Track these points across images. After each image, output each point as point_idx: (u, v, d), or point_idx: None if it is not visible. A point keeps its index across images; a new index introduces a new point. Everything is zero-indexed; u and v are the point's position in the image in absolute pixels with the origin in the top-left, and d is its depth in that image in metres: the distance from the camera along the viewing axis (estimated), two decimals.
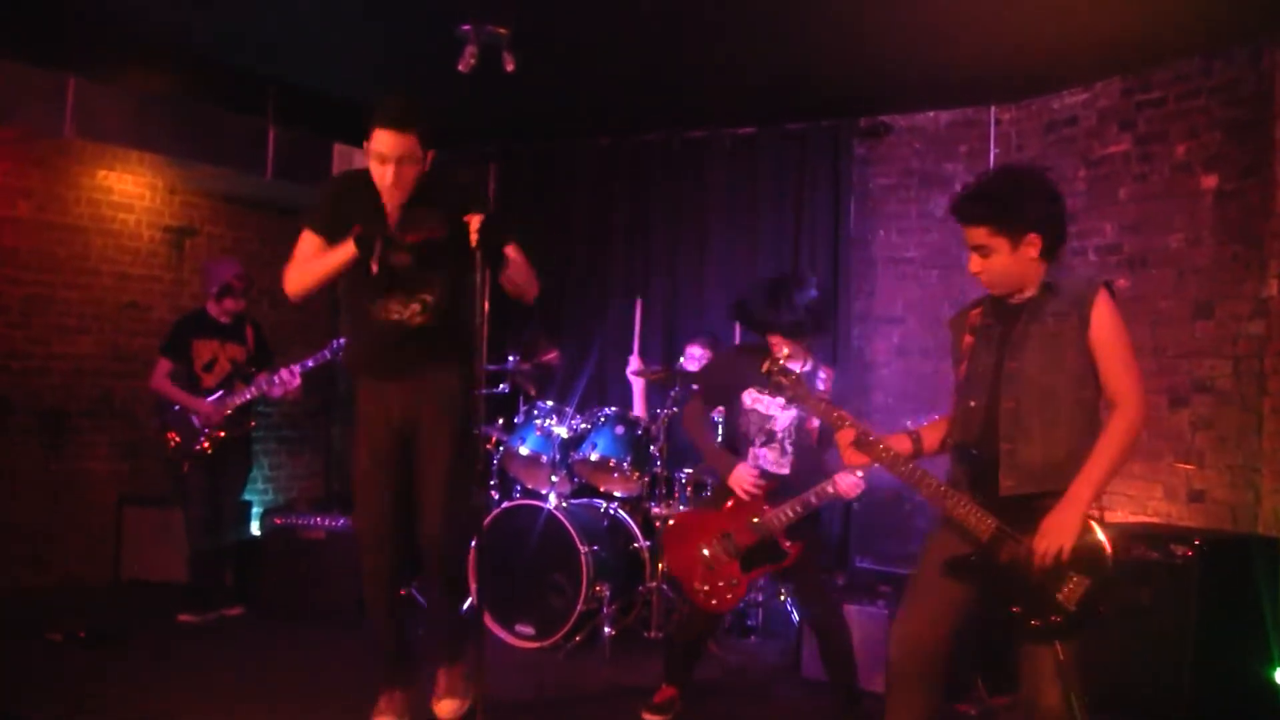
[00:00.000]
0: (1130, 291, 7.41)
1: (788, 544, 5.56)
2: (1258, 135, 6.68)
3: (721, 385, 5.95)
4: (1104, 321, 3.93)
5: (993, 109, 8.45)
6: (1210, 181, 6.99)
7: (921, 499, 5.26)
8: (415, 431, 5.08)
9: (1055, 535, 3.82)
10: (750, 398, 5.80)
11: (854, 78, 7.95)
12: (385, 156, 4.76)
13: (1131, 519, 7.19)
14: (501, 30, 6.77)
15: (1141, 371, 4.02)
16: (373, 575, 5.17)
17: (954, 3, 6.42)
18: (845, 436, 4.21)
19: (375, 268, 4.75)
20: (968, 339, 4.23)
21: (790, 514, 5.49)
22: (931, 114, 8.71)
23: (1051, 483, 3.91)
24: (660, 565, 7.30)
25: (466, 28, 6.74)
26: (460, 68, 6.79)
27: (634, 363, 8.32)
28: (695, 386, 6.27)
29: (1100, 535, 3.89)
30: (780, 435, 5.73)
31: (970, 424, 4.10)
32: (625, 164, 9.71)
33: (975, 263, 4.08)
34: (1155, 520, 7.07)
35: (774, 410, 5.73)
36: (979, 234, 4.01)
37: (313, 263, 4.94)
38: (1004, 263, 4.01)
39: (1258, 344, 6.62)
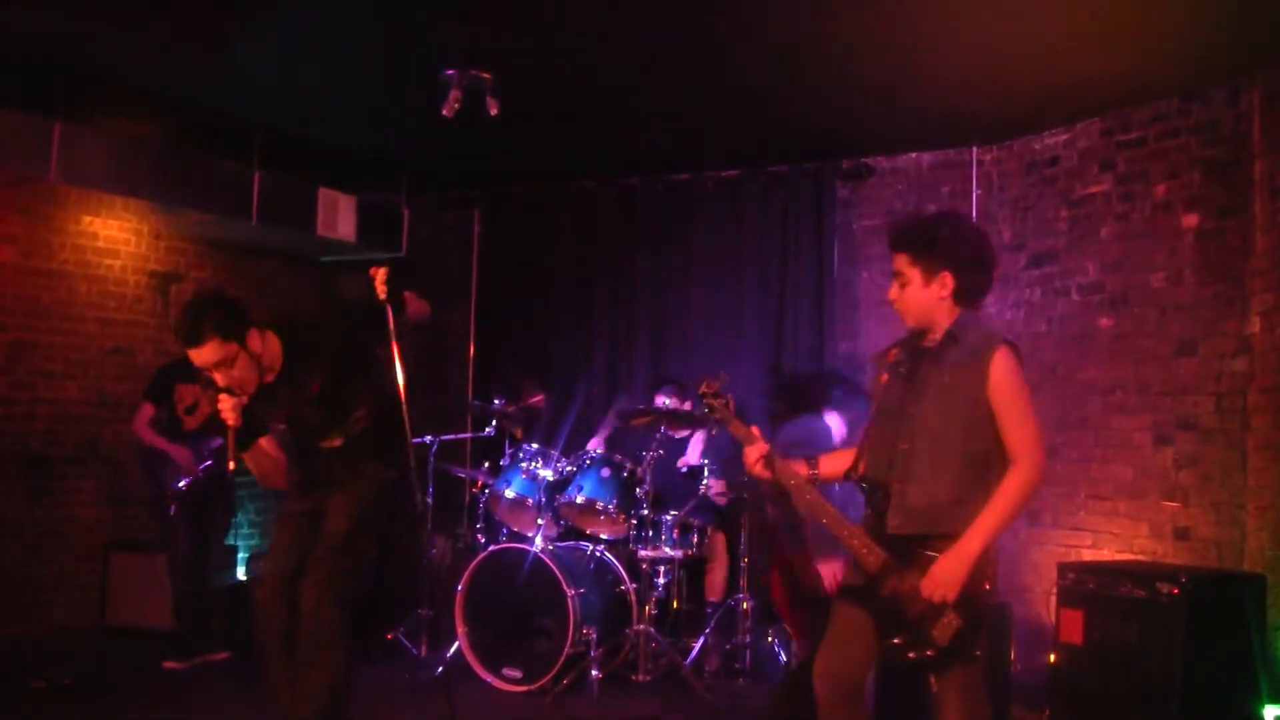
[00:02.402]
0: (1113, 330, 7.45)
1: None
2: (1237, 175, 6.73)
3: None
4: (1001, 378, 4.04)
5: (974, 150, 8.50)
6: (1191, 220, 7.04)
7: None
8: (323, 512, 5.19)
9: (941, 583, 3.97)
10: None
11: (836, 120, 8.01)
12: (205, 368, 4.83)
13: (1117, 557, 7.19)
14: (485, 75, 6.82)
15: (1039, 428, 4.10)
16: (268, 645, 5.18)
17: (935, 45, 6.48)
18: (752, 453, 4.36)
19: (233, 462, 4.86)
20: (884, 376, 4.37)
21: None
22: (914, 155, 8.75)
23: (931, 526, 4.05)
24: (648, 609, 7.30)
25: (450, 72, 6.79)
26: (444, 112, 6.84)
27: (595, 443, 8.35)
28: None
29: (978, 579, 4.03)
30: None
31: (880, 459, 4.24)
32: (610, 207, 9.74)
33: (893, 290, 4.23)
34: (1141, 558, 7.07)
35: None
36: (900, 260, 4.19)
37: (260, 468, 5.13)
38: (916, 294, 4.16)
39: (1241, 381, 6.64)
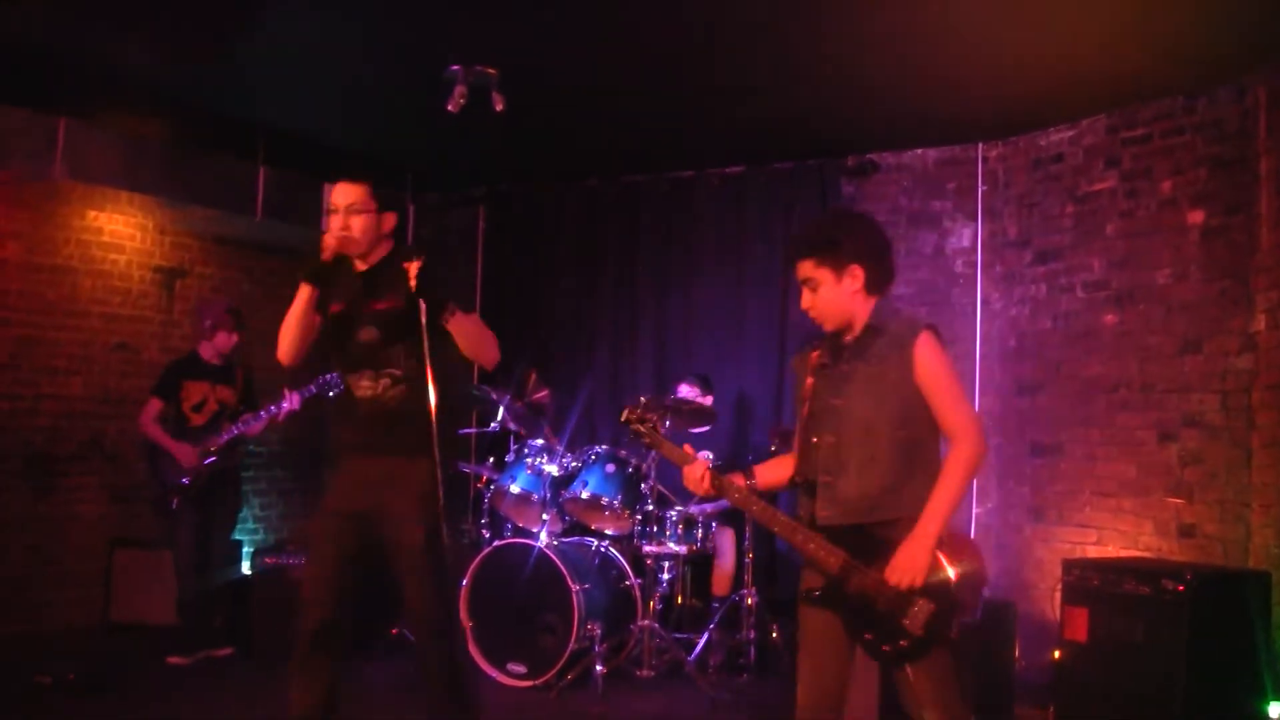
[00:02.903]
0: (1118, 327, 7.44)
1: None
2: (1243, 172, 6.73)
3: None
4: (926, 362, 4.07)
5: (980, 146, 8.50)
6: (1196, 217, 7.03)
7: None
8: (382, 517, 4.98)
9: (906, 570, 3.97)
10: None
11: (841, 116, 8.00)
12: (335, 207, 4.91)
13: (1123, 554, 7.19)
14: (490, 71, 6.81)
15: (971, 404, 4.18)
16: (303, 636, 5.06)
17: (940, 42, 6.47)
18: (693, 471, 4.35)
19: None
20: (809, 380, 4.35)
21: None
22: (919, 152, 8.74)
23: (864, 514, 4.07)
24: (653, 604, 7.30)
25: (456, 68, 6.79)
26: (449, 107, 6.82)
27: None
28: None
29: (943, 562, 4.03)
30: None
31: (804, 460, 4.26)
32: (613, 204, 9.75)
33: (805, 298, 4.25)
34: (1146, 555, 7.07)
35: None
36: (805, 267, 4.21)
37: (286, 318, 5.00)
38: (830, 295, 4.18)
39: (1246, 378, 6.64)
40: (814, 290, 4.20)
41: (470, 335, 4.90)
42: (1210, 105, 6.97)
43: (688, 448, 4.51)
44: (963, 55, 6.68)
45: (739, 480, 4.37)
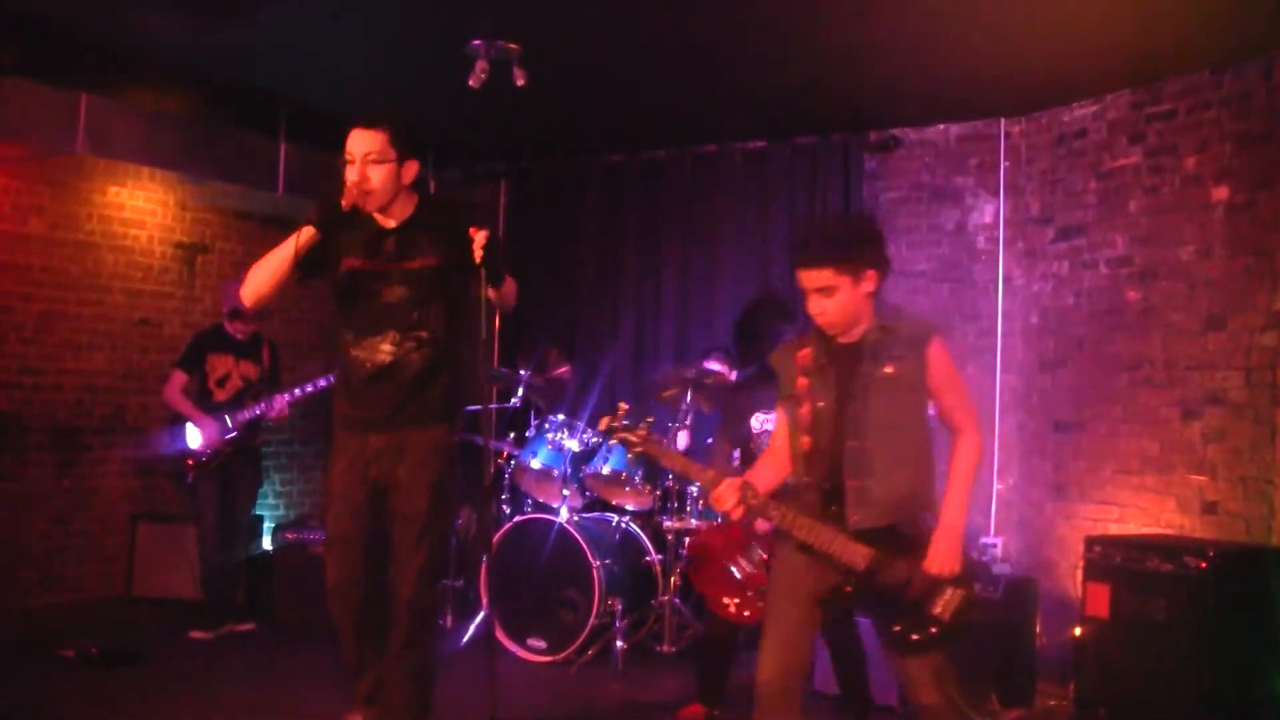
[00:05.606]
0: (1141, 304, 7.40)
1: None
2: (1268, 147, 6.67)
3: (736, 422, 6.01)
4: (941, 364, 4.22)
5: (1002, 122, 8.44)
6: (1221, 194, 6.98)
7: None
8: (391, 487, 4.83)
9: (945, 558, 4.10)
10: (759, 421, 5.84)
11: (864, 92, 7.96)
12: (352, 156, 4.68)
13: (1145, 531, 7.17)
14: (512, 46, 6.80)
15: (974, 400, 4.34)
16: (345, 628, 4.91)
17: (963, 17, 6.43)
18: (730, 494, 4.19)
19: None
20: (802, 380, 4.32)
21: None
22: (941, 127, 8.69)
23: (894, 516, 4.14)
24: (674, 580, 7.30)
25: (477, 43, 6.78)
26: (471, 82, 6.82)
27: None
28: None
29: (966, 551, 4.22)
30: None
31: (816, 463, 4.25)
32: (635, 179, 9.71)
33: (815, 304, 4.20)
34: (1169, 532, 7.04)
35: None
36: (824, 275, 4.15)
37: (268, 255, 4.73)
38: (845, 300, 4.17)
39: (1270, 355, 6.60)
40: (828, 296, 4.16)
41: (508, 295, 4.87)
42: (1236, 80, 6.91)
43: (711, 471, 4.37)
44: (985, 30, 6.63)
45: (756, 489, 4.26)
